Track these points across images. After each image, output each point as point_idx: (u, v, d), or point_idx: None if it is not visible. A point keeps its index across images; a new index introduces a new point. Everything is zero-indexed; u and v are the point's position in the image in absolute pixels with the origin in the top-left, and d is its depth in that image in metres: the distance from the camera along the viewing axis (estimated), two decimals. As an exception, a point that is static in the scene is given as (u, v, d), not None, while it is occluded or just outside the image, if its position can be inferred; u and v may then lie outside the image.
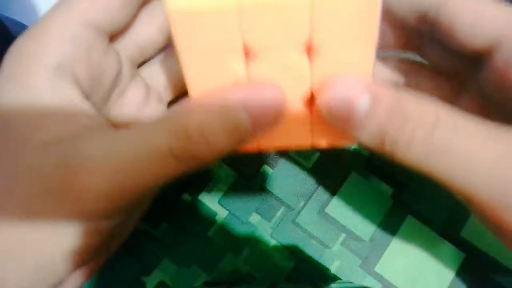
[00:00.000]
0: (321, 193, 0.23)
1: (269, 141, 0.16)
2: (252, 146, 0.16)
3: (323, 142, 0.16)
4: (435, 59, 0.18)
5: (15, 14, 0.27)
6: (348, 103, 0.13)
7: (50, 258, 0.14)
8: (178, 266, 0.22)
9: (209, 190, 0.23)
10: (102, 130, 0.15)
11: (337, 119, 0.13)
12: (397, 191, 0.23)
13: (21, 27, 0.26)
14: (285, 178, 0.23)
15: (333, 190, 0.23)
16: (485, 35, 0.15)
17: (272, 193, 0.23)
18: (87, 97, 0.16)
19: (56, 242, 0.14)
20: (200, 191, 0.23)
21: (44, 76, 0.14)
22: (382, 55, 0.20)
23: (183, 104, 0.14)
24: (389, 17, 0.17)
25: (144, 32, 0.18)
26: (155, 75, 0.20)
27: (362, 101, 0.13)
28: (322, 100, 0.14)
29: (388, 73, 0.20)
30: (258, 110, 0.13)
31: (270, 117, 0.14)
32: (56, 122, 0.14)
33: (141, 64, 0.20)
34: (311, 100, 0.15)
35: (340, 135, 0.15)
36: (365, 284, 0.21)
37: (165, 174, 0.14)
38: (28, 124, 0.14)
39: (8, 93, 0.14)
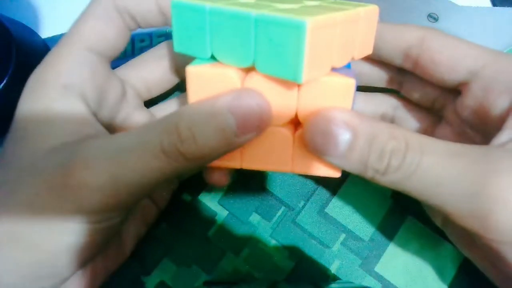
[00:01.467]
0: (321, 193, 0.23)
1: (251, 161, 0.17)
2: (235, 163, 0.17)
3: (302, 169, 0.17)
4: (416, 94, 0.21)
5: (15, 14, 0.27)
6: (331, 139, 0.15)
7: (50, 254, 0.15)
8: (178, 266, 0.22)
9: (209, 190, 0.23)
10: (102, 136, 0.17)
11: (321, 153, 0.15)
12: (397, 191, 0.23)
13: (21, 27, 0.26)
14: (285, 178, 0.23)
15: (333, 190, 0.23)
16: (462, 68, 0.17)
17: (272, 193, 0.23)
18: (94, 113, 0.18)
19: (56, 238, 0.15)
20: (200, 191, 0.23)
21: (55, 93, 0.16)
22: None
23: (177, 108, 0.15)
24: (375, 59, 0.20)
25: (151, 73, 0.21)
26: (165, 111, 0.22)
27: (343, 136, 0.14)
28: (307, 135, 0.15)
29: (380, 105, 0.22)
30: (243, 113, 0.14)
31: (254, 123, 0.14)
32: (62, 130, 0.16)
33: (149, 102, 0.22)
34: (295, 125, 0.16)
35: (320, 165, 0.16)
36: (365, 284, 0.21)
37: (157, 170, 0.15)
38: (38, 131, 0.16)
39: (26, 106, 0.17)
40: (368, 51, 0.17)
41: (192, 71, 0.15)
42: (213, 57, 0.15)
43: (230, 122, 0.14)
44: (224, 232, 0.22)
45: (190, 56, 0.16)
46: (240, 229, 0.22)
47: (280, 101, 0.15)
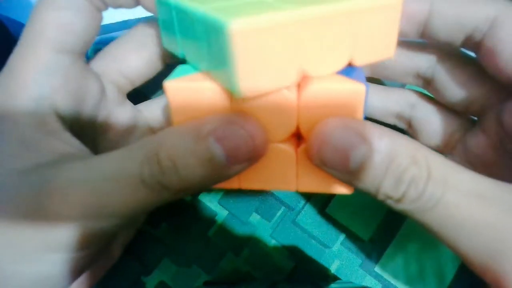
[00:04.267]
0: (321, 193, 0.23)
1: (250, 181, 0.15)
2: (232, 184, 0.15)
3: (309, 187, 0.15)
4: (449, 94, 0.17)
5: (15, 14, 0.27)
6: (342, 154, 0.12)
7: (24, 286, 0.14)
8: (178, 266, 0.22)
9: (209, 190, 0.23)
10: (80, 156, 0.15)
11: (328, 166, 0.13)
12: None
13: (21, 27, 0.26)
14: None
15: (333, 190, 0.23)
16: None
17: (272, 193, 0.23)
18: (71, 121, 0.16)
19: (29, 270, 0.14)
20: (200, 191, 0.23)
21: (24, 108, 0.15)
22: (390, 84, 0.20)
23: (161, 130, 0.14)
24: (429, 36, 0.16)
25: (132, 63, 0.18)
26: (152, 110, 0.20)
27: (357, 152, 0.12)
28: (314, 148, 0.13)
29: (395, 103, 0.20)
30: (232, 144, 0.12)
31: (246, 153, 0.13)
32: (34, 150, 0.14)
33: (140, 97, 0.20)
34: (298, 139, 0.15)
35: (328, 182, 0.15)
36: (365, 284, 0.21)
37: (138, 203, 0.13)
38: (8, 150, 0.14)
39: None
40: (386, 53, 0.14)
41: (171, 87, 0.13)
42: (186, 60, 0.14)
43: (218, 153, 0.12)
44: (224, 232, 0.22)
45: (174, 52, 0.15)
46: (240, 229, 0.22)
47: (277, 114, 0.13)
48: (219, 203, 0.23)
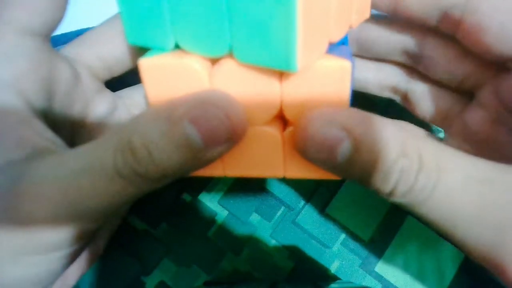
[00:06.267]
0: (321, 193, 0.23)
1: (235, 167, 0.14)
2: (216, 171, 0.14)
3: (297, 173, 0.14)
4: (439, 72, 0.17)
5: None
6: (328, 150, 0.12)
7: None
8: (178, 266, 0.22)
9: (209, 190, 0.23)
10: (53, 151, 0.14)
11: (315, 162, 0.13)
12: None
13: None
14: (285, 178, 0.23)
15: (333, 190, 0.23)
16: None
17: (272, 193, 0.23)
18: (44, 111, 0.15)
19: (9, 272, 0.13)
20: (200, 191, 0.23)
21: None
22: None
23: (134, 116, 0.13)
24: (402, 15, 0.16)
25: (111, 50, 0.17)
26: (134, 97, 0.19)
27: (342, 148, 0.12)
28: (297, 141, 0.13)
29: (390, 76, 0.19)
30: (207, 125, 0.11)
31: (223, 134, 0.12)
32: (3, 146, 0.13)
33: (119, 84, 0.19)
34: (284, 122, 0.14)
35: (317, 168, 0.13)
36: (365, 284, 0.21)
37: (114, 197, 0.13)
38: None
39: None
40: (366, 14, 0.15)
41: (146, 65, 0.12)
42: (178, 47, 0.13)
43: (193, 136, 0.11)
44: (224, 232, 0.22)
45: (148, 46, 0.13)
46: (240, 229, 0.22)
47: (260, 94, 0.12)
48: (219, 203, 0.23)
